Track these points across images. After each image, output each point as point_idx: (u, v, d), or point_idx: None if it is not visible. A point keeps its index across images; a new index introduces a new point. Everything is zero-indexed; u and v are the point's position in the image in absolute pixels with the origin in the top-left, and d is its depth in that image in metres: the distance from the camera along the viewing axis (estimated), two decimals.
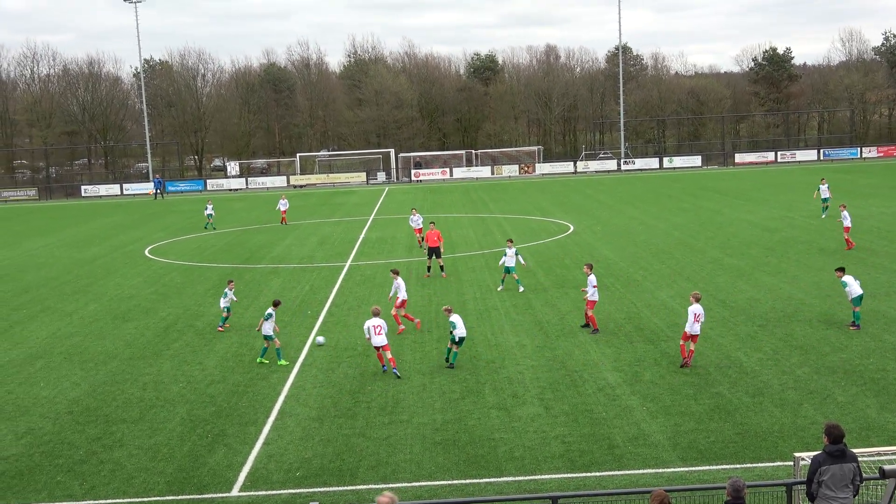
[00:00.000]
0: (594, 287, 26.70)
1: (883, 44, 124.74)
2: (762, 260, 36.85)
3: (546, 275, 35.79)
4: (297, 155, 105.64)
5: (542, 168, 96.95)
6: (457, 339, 23.37)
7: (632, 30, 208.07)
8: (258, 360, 24.71)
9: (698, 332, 22.67)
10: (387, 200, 73.67)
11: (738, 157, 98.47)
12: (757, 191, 66.34)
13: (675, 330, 26.14)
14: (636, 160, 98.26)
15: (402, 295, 27.64)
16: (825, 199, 49.53)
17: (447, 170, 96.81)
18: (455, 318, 23.44)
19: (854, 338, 24.50)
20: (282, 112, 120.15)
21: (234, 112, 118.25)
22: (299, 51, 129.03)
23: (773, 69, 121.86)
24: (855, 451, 12.36)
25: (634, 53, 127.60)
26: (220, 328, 28.80)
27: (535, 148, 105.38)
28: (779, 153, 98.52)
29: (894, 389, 20.15)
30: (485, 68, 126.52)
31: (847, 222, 39.03)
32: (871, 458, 13.94)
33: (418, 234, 41.17)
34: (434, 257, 36.42)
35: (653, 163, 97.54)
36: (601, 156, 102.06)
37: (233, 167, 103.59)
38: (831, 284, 30.95)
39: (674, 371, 22.25)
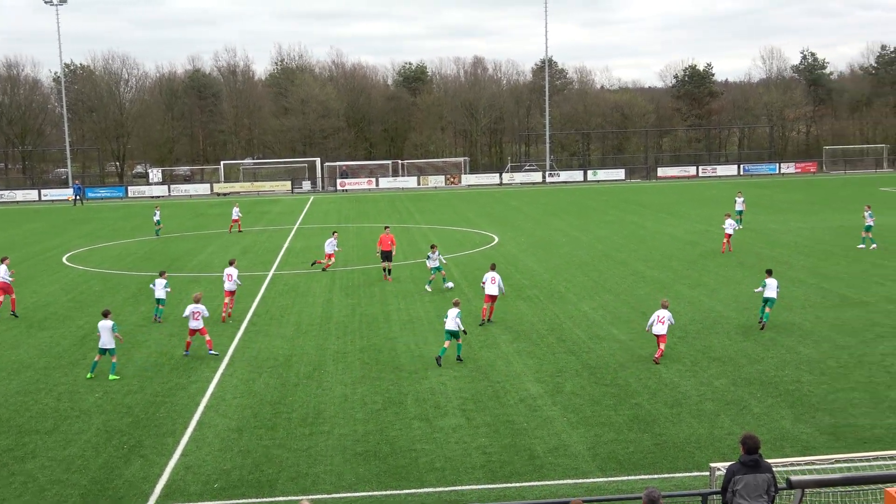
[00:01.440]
0: (493, 284, 28.84)
1: (801, 62, 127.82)
2: (683, 273, 37.39)
3: (470, 286, 35.86)
4: (222, 162, 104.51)
5: (469, 179, 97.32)
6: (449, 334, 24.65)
7: (558, 43, 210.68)
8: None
9: (664, 332, 24.32)
10: (312, 210, 73.27)
11: (661, 171, 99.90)
12: (679, 204, 67.39)
13: (596, 341, 26.40)
14: (561, 173, 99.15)
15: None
16: (739, 212, 51.23)
17: (373, 180, 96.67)
18: (449, 311, 24.88)
19: (770, 350, 24.97)
20: (206, 119, 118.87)
21: (158, 118, 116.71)
22: (226, 57, 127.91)
23: (695, 85, 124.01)
24: (770, 461, 12.58)
25: (560, 67, 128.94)
26: (157, 319, 30.03)
27: (461, 159, 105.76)
28: (700, 168, 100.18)
29: (808, 401, 20.56)
30: (413, 78, 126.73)
31: (729, 230, 42.67)
32: (785, 469, 14.20)
33: (328, 259, 40.39)
34: (386, 261, 37.89)
35: (577, 175, 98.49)
36: (527, 168, 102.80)
37: (155, 174, 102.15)
38: (749, 297, 31.55)
39: (594, 382, 22.44)
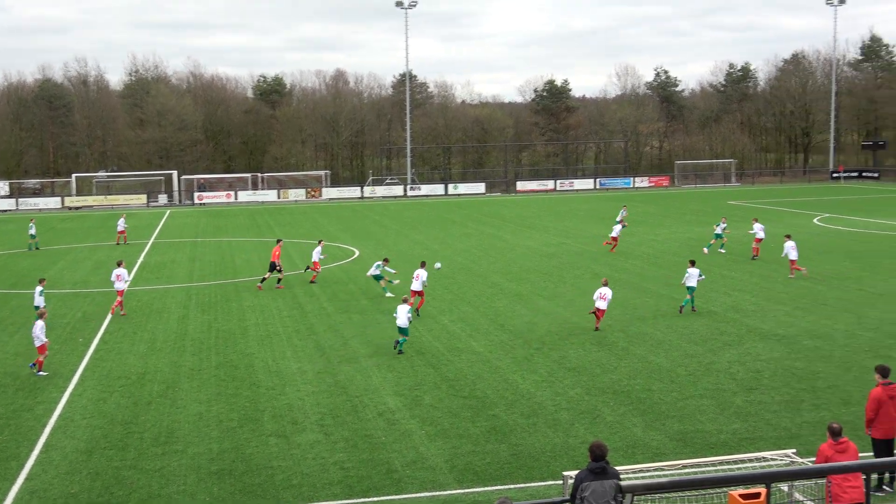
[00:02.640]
0: (416, 280, 32.28)
1: (655, 79, 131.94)
2: (540, 285, 38.00)
3: (330, 300, 35.66)
4: (74, 175, 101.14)
5: (330, 193, 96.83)
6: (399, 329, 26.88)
7: (419, 58, 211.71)
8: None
9: (604, 308, 29.29)
10: (168, 223, 71.62)
11: (520, 185, 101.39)
12: (537, 217, 68.51)
13: (455, 354, 26.55)
14: (422, 186, 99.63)
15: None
16: (718, 236, 50.94)
17: (232, 193, 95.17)
18: (399, 308, 26.94)
19: (623, 359, 25.59)
20: (57, 130, 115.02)
21: (5, 129, 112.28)
22: (77, 67, 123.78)
23: (553, 101, 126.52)
24: (621, 468, 12.85)
25: (421, 81, 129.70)
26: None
27: (322, 172, 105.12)
28: (558, 181, 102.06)
29: (659, 408, 21.13)
30: (272, 91, 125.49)
31: (615, 233, 48.04)
32: (635, 475, 14.54)
33: (317, 270, 40.41)
34: (274, 271, 38.71)
35: (438, 189, 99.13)
36: (388, 181, 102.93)
37: (2, 187, 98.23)
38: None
39: (453, 394, 22.57)
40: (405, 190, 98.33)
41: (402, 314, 26.68)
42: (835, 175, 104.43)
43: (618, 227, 48.91)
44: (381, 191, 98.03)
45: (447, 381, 23.78)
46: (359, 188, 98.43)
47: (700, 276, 32.21)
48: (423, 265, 33.25)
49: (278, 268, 38.81)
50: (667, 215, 68.25)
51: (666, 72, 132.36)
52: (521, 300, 34.75)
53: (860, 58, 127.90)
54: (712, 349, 26.57)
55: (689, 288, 31.89)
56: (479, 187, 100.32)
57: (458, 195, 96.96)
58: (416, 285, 32.29)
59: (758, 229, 44.90)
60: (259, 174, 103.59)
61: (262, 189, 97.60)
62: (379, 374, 24.66)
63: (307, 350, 27.54)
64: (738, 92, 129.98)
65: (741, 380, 23.34)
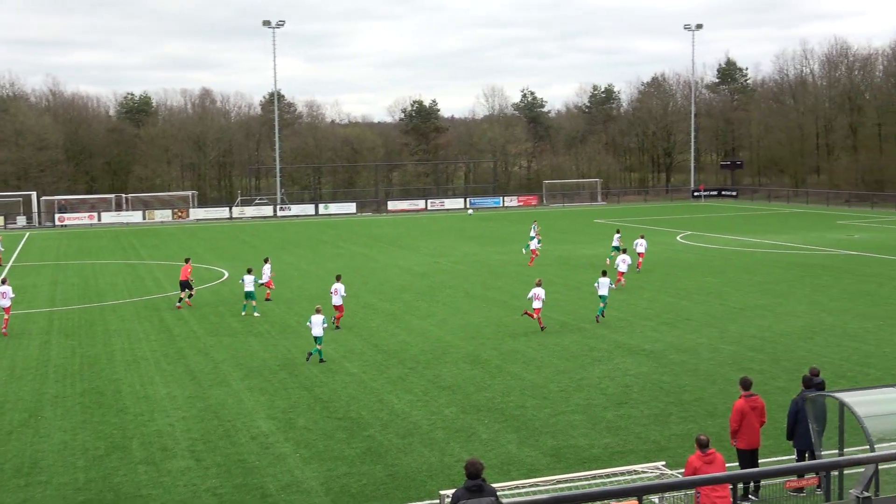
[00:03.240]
0: (336, 295, 33.54)
1: (522, 100, 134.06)
2: (413, 304, 38.07)
3: (199, 323, 34.97)
4: None
5: (197, 213, 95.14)
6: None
7: (287, 77, 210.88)
8: None
9: (539, 307, 31.88)
10: (27, 246, 69.12)
11: (391, 205, 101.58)
12: (409, 237, 68.69)
13: (329, 375, 26.36)
14: (292, 206, 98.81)
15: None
16: (615, 248, 50.31)
17: (95, 214, 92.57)
18: (312, 317, 28.18)
19: (497, 377, 25.81)
20: None
21: None
22: None
23: (422, 121, 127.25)
24: (497, 485, 12.94)
25: (290, 101, 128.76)
26: None
27: (189, 193, 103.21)
28: (429, 201, 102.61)
29: (532, 425, 21.38)
30: (137, 110, 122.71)
31: (533, 245, 51.03)
32: (511, 492, 14.66)
33: (270, 287, 40.64)
34: (186, 290, 39.05)
35: (309, 209, 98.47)
36: (257, 202, 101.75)
37: None
38: (477, 326, 32.66)
39: (327, 416, 22.37)
40: (275, 210, 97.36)
41: (317, 324, 27.89)
42: (696, 194, 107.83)
43: (534, 241, 51.70)
44: (250, 211, 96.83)
45: (321, 403, 23.57)
46: (227, 209, 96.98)
47: (611, 284, 34.77)
48: (338, 279, 34.29)
49: (190, 286, 39.30)
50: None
51: (532, 93, 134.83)
52: (395, 320, 34.75)
53: (717, 81, 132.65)
54: (583, 365, 27.04)
55: (601, 296, 33.96)
56: (350, 207, 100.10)
57: (329, 215, 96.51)
58: (336, 300, 33.41)
59: (638, 244, 46.89)
60: (123, 195, 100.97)
61: (127, 210, 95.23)
62: (251, 397, 24.28)
63: (176, 374, 26.92)
64: (602, 113, 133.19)
65: (611, 395, 23.81)
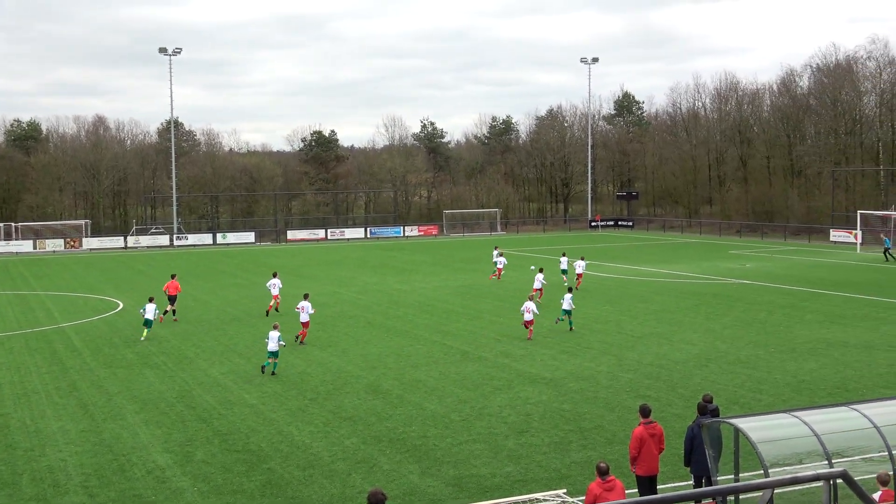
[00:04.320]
0: (303, 312, 36.04)
1: (422, 130, 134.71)
2: (314, 334, 37.72)
3: (93, 355, 34.09)
4: None
5: (91, 243, 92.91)
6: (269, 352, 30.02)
7: (184, 105, 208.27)
8: None
9: (531, 318, 35.59)
10: None
11: (291, 234, 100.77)
12: (309, 267, 68.18)
13: (227, 407, 25.93)
14: (189, 236, 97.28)
15: None
16: (563, 271, 53.19)
17: None
18: (270, 333, 30.14)
19: (398, 407, 25.72)
20: None
21: None
22: None
23: (322, 150, 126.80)
24: None
25: (187, 129, 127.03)
26: None
27: (82, 221, 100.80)
28: (329, 230, 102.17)
29: (434, 454, 21.35)
30: (25, 137, 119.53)
31: (500, 264, 55.67)
32: None
33: (275, 300, 43.86)
34: (172, 304, 41.74)
35: (206, 238, 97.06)
36: (153, 231, 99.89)
37: None
38: (378, 356, 32.58)
39: (226, 449, 21.98)
40: (171, 240, 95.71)
41: (273, 339, 29.89)
42: (593, 224, 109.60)
43: (502, 259, 56.69)
44: (145, 241, 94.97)
45: (219, 436, 23.15)
46: (122, 238, 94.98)
47: (571, 300, 38.24)
48: (305, 297, 36.99)
49: (174, 300, 42.00)
50: (437, 263, 69.50)
51: (432, 123, 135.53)
52: (294, 350, 34.39)
53: (613, 113, 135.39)
54: (484, 394, 27.13)
55: (564, 311, 37.84)
56: (249, 236, 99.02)
57: (228, 244, 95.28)
58: (303, 317, 35.84)
59: (578, 265, 51.71)
60: (13, 224, 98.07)
61: (17, 239, 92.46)
62: (147, 430, 23.72)
63: (69, 408, 26.16)
64: (501, 144, 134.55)
65: (512, 423, 23.93)
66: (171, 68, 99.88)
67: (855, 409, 16.22)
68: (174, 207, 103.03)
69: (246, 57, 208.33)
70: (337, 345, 35.43)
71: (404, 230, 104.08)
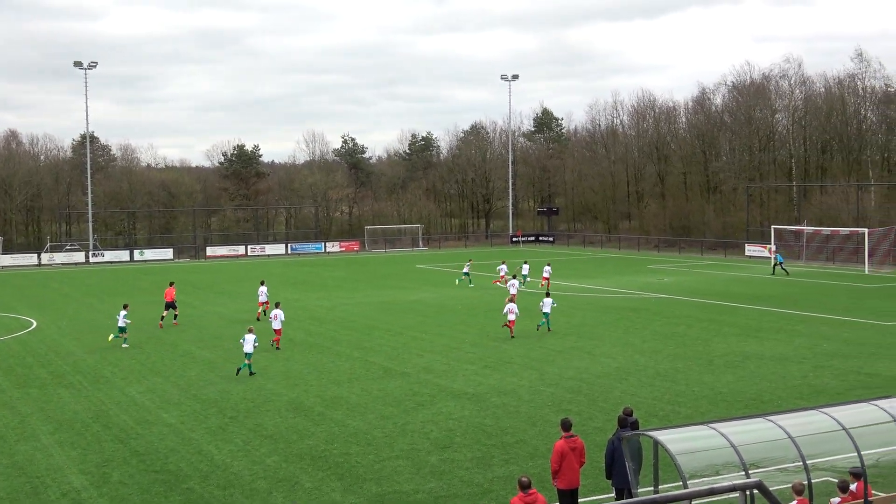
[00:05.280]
0: (276, 319, 37.89)
1: (342, 146, 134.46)
2: (233, 352, 37.22)
3: (5, 375, 33.20)
4: None
5: (3, 260, 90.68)
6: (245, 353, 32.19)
7: (100, 120, 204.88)
8: None
9: (513, 319, 39.17)
10: None
11: (210, 250, 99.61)
12: (228, 283, 67.43)
13: (145, 427, 25.46)
14: (106, 252, 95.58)
15: None
16: (525, 276, 61.38)
17: None
18: (245, 336, 32.36)
19: (320, 424, 25.52)
20: None
21: None
22: None
23: (242, 165, 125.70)
24: None
25: (103, 143, 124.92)
26: None
27: None
28: (249, 246, 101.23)
29: (356, 472, 21.21)
30: None
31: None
32: None
33: (261, 307, 47.43)
34: (171, 309, 45.28)
35: (123, 255, 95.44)
36: (68, 248, 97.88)
37: None
38: (299, 373, 32.37)
39: (144, 469, 21.57)
40: (87, 256, 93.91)
41: (249, 341, 32.04)
42: (514, 239, 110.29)
43: (503, 267, 61.50)
44: (60, 258, 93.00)
45: (137, 456, 22.71)
46: (35, 255, 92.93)
47: (553, 303, 41.33)
48: (278, 305, 38.99)
49: (174, 306, 45.41)
50: (359, 279, 69.27)
51: (353, 139, 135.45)
52: (214, 368, 33.95)
53: (533, 129, 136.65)
54: (406, 410, 27.06)
55: (544, 313, 40.84)
56: (167, 253, 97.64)
57: (145, 261, 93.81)
58: (276, 324, 37.49)
59: (546, 270, 58.97)
60: None
61: None
62: (62, 451, 23.17)
63: None
64: (422, 160, 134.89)
65: (435, 439, 23.90)
66: (86, 82, 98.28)
67: (770, 421, 16.53)
68: (90, 224, 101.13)
69: (162, 71, 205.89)
70: (257, 362, 34.99)
71: (325, 246, 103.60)
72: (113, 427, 25.58)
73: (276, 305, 39.19)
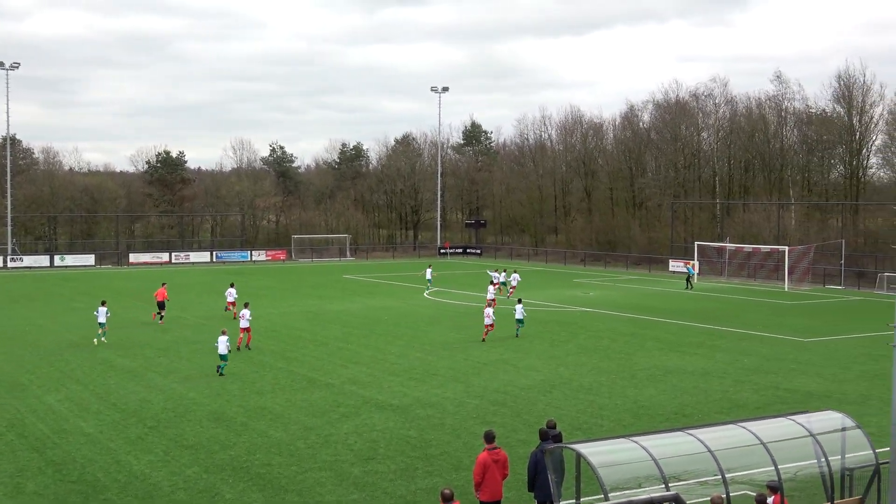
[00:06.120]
0: (244, 319, 39.57)
1: (271, 154, 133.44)
2: (155, 360, 36.77)
3: None
4: None
5: None
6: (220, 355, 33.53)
7: (22, 122, 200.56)
8: None
9: (491, 323, 41.67)
10: None
11: (133, 257, 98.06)
12: (151, 290, 66.27)
13: (62, 436, 24.92)
14: (25, 257, 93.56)
15: None
16: (506, 284, 63.47)
17: None
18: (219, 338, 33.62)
19: (242, 435, 25.24)
20: None
21: None
22: None
23: (168, 172, 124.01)
24: None
25: (24, 146, 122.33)
26: None
27: None
28: (173, 254, 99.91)
29: (278, 483, 21.01)
30: None
31: (514, 281, 62.11)
32: None
33: (231, 308, 50.38)
34: (161, 309, 47.58)
35: (43, 260, 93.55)
36: None
37: None
38: (222, 383, 32.02)
39: (60, 479, 21.11)
40: (5, 261, 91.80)
41: (222, 344, 33.30)
42: (442, 251, 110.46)
43: (499, 275, 63.41)
44: None
45: (53, 466, 22.22)
46: None
47: (523, 311, 43.43)
48: (246, 305, 40.56)
49: (163, 306, 47.63)
50: (285, 288, 68.78)
51: (281, 147, 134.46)
52: (134, 376, 33.40)
53: (462, 142, 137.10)
54: (330, 421, 26.90)
55: (517, 320, 42.88)
56: (89, 259, 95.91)
57: (66, 267, 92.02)
58: (243, 323, 39.07)
59: (514, 278, 62.30)
60: None
61: None
62: None
63: None
64: (351, 170, 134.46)
65: (358, 450, 23.79)
66: (7, 83, 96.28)
67: (691, 434, 16.77)
68: (9, 227, 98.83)
69: (88, 75, 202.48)
70: (179, 371, 34.56)
71: (252, 254, 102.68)
72: (28, 436, 25.02)
73: (245, 305, 40.66)
